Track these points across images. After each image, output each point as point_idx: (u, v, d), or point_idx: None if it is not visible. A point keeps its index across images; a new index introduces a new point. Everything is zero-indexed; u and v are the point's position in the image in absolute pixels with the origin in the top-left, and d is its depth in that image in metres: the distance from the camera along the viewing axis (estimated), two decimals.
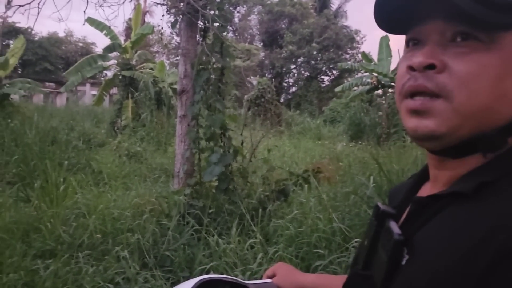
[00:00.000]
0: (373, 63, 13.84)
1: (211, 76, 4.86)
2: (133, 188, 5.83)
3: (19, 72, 36.15)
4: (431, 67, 0.59)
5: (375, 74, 13.41)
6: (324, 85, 31.63)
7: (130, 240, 3.88)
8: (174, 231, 4.15)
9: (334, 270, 3.18)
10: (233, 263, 3.61)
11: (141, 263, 3.68)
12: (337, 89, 15.70)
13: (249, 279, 1.10)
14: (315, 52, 29.45)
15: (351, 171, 6.28)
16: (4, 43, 38.04)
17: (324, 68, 30.66)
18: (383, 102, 14.39)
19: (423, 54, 0.60)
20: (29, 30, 33.04)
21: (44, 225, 4.20)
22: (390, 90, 13.61)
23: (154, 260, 3.74)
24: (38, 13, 5.64)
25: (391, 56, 13.54)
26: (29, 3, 5.55)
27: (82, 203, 4.93)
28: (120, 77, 14.30)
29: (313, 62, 30.39)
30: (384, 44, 13.75)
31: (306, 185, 4.96)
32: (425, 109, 0.60)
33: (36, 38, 40.03)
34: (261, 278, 1.17)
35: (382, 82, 13.35)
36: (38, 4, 5.54)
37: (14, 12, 6.14)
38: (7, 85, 13.80)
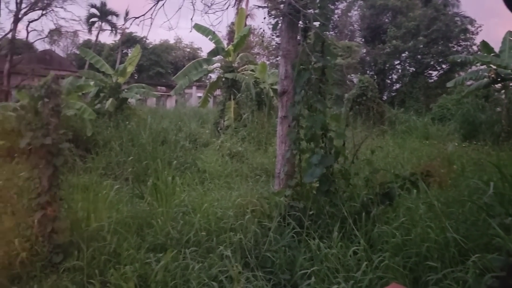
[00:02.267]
0: (492, 54, 12.45)
1: (312, 76, 4.77)
2: (235, 188, 5.98)
3: (135, 77, 39.76)
4: None
5: (494, 67, 12.07)
6: (431, 80, 29.48)
7: (233, 239, 3.96)
8: (275, 232, 4.15)
9: (449, 286, 2.88)
10: (335, 269, 3.49)
11: (243, 263, 3.73)
12: (449, 84, 14.45)
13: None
14: (421, 46, 27.56)
15: (465, 175, 5.71)
16: (123, 51, 42.23)
17: (432, 63, 28.55)
18: (503, 97, 12.91)
19: None
20: (144, 39, 36.07)
21: (155, 220, 4.50)
22: (511, 84, 12.17)
23: (255, 260, 3.77)
24: (151, 23, 6.09)
25: None
26: (143, 15, 6.02)
27: (188, 201, 5.19)
28: (223, 79, 14.91)
29: (419, 56, 28.48)
30: (508, 36, 12.32)
31: (415, 190, 4.60)
32: None
33: (149, 46, 43.71)
34: None
35: (502, 75, 11.97)
36: (151, 15, 5.98)
37: (131, 24, 6.70)
38: (125, 90, 15.23)
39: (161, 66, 46.87)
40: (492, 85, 13.20)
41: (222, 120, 14.32)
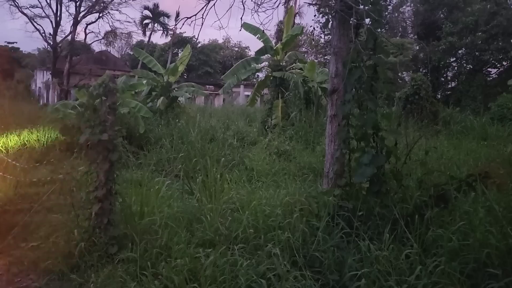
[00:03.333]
0: None
1: (364, 74, 4.65)
2: (283, 186, 5.97)
3: (185, 76, 40.81)
4: None
5: None
6: (490, 78, 27.92)
7: (281, 237, 3.95)
8: (323, 232, 4.09)
9: None
10: (387, 272, 3.38)
11: (291, 262, 3.72)
12: (510, 82, 13.63)
13: None
14: (480, 42, 26.16)
15: None
16: (174, 51, 43.44)
17: (491, 59, 27.01)
18: None
19: None
20: (194, 39, 36.92)
21: (204, 216, 4.58)
22: None
23: (304, 259, 3.74)
24: (202, 23, 6.18)
25: None
26: (195, 15, 6.13)
27: (236, 198, 5.24)
28: (271, 78, 14.91)
29: (477, 53, 27.04)
30: None
31: (473, 193, 4.37)
32: None
33: (198, 46, 44.67)
34: None
35: None
36: (202, 15, 6.08)
37: (182, 24, 6.85)
38: (176, 89, 15.66)
39: (210, 65, 47.79)
40: None
41: (269, 118, 14.35)
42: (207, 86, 34.99)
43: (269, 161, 8.83)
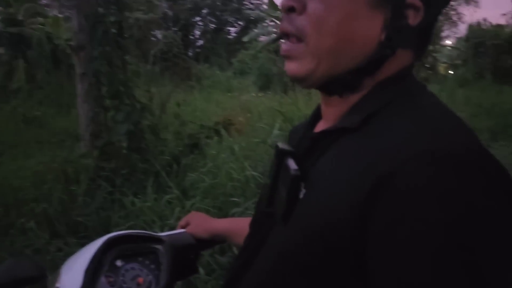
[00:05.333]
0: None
1: (109, 30, 4.54)
2: (34, 156, 5.42)
3: None
4: (292, 9, 0.60)
5: (279, 23, 13.53)
6: (231, 36, 31.28)
7: (37, 210, 3.65)
8: (86, 196, 3.99)
9: (250, 215, 3.32)
10: (151, 220, 3.60)
11: (51, 233, 3.51)
12: (245, 39, 15.65)
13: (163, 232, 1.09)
14: (219, 3, 28.73)
15: (262, 121, 6.45)
16: None
17: (230, 19, 30.17)
18: None
19: None
20: None
21: None
22: None
23: (66, 228, 3.59)
24: None
25: None
26: None
27: None
28: (6, 34, 12.75)
29: (218, 13, 29.70)
30: None
31: (218, 137, 5.01)
32: (288, 53, 0.62)
33: None
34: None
35: None
36: None
37: None
38: None
39: None
40: (280, 40, 14.84)
41: (10, 83, 12.41)
42: None
43: (16, 130, 7.79)
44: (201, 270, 2.76)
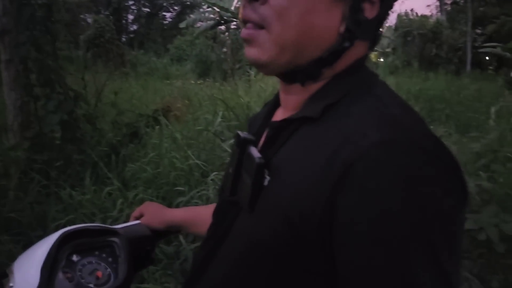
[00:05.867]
0: None
1: (37, 13, 4.25)
2: None
3: None
4: None
5: (217, 9, 13.39)
6: (166, 22, 30.46)
7: None
8: (17, 191, 3.75)
9: (196, 204, 3.31)
10: (91, 213, 3.47)
11: None
12: (181, 25, 15.28)
13: (111, 225, 1.07)
14: None
15: (202, 109, 6.39)
16: None
17: (165, 4, 29.33)
18: (227, 38, 14.60)
19: None
20: None
21: None
22: (232, 25, 13.84)
23: None
24: None
25: None
26: None
27: None
28: None
29: None
30: None
31: (158, 126, 4.90)
32: (250, 38, 0.63)
33: None
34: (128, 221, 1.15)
35: (225, 17, 13.44)
36: None
37: None
38: None
39: None
40: (218, 27, 14.70)
41: None
42: None
43: None
44: None
